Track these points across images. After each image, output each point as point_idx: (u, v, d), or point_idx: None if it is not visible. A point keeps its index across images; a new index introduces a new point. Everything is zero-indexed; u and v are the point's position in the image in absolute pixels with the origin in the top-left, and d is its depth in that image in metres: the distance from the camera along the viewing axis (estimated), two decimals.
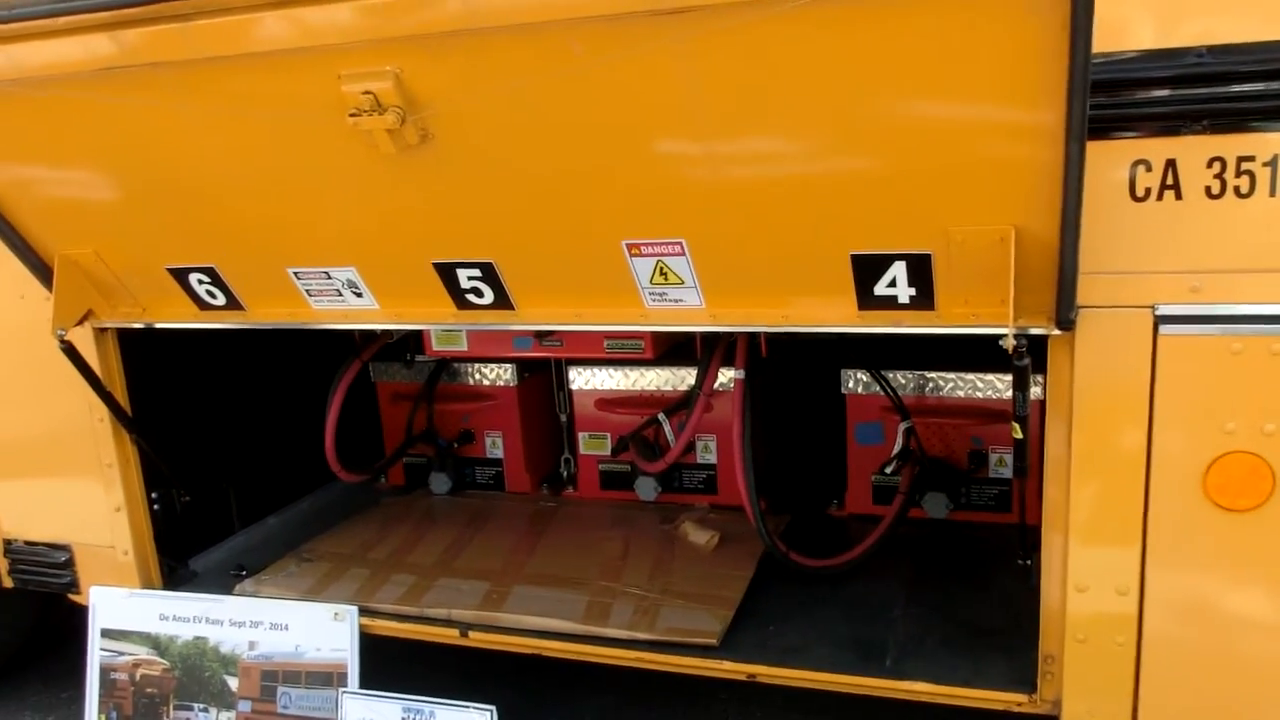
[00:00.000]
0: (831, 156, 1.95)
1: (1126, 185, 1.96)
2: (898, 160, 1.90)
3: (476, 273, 2.40)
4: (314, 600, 2.99)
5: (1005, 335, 1.95)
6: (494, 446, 3.87)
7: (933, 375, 3.19)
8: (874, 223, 2.02)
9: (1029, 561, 2.38)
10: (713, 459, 3.54)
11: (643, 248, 2.21)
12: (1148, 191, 1.96)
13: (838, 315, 2.18)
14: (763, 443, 3.59)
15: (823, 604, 2.86)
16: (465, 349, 3.17)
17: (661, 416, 3.46)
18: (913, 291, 2.09)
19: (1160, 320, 2.00)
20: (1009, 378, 3.08)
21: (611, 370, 3.57)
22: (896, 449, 3.15)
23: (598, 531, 3.43)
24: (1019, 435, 2.11)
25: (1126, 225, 1.98)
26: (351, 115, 2.03)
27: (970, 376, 3.14)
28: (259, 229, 2.46)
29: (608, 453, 3.65)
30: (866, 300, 2.14)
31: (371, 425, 4.02)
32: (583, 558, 3.21)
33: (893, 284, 2.08)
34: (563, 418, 3.81)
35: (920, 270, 2.04)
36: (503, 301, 2.45)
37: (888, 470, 3.17)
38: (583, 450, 3.74)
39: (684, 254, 2.19)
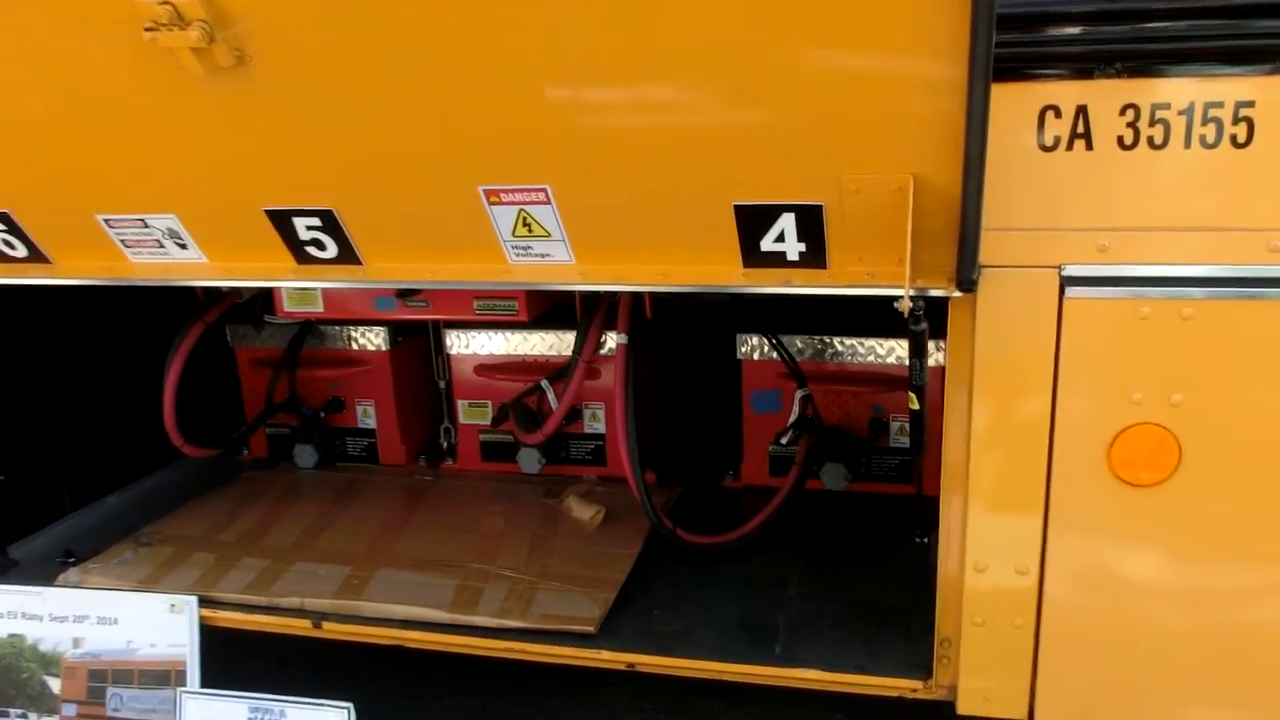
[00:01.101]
0: (713, 98, 1.71)
1: (1034, 133, 1.78)
2: (786, 102, 1.67)
3: (315, 221, 2.10)
4: (149, 590, 2.67)
5: (900, 297, 1.75)
6: (365, 416, 3.57)
7: (832, 340, 3.00)
8: (759, 170, 1.79)
9: (926, 539, 2.22)
10: (600, 428, 3.31)
11: (503, 195, 1.94)
12: (1056, 141, 1.78)
13: (721, 274, 1.96)
14: (652, 411, 3.39)
15: (712, 584, 2.67)
16: (320, 310, 2.85)
17: (544, 383, 3.21)
18: (802, 247, 1.87)
19: (1066, 282, 1.83)
20: None
21: (492, 334, 3.30)
22: (793, 418, 2.96)
23: (475, 507, 3.18)
24: (915, 406, 1.92)
25: (1033, 178, 1.79)
26: (148, 30, 1.71)
27: (870, 342, 2.97)
28: (58, 168, 2.11)
29: (488, 422, 3.39)
30: (752, 257, 1.92)
31: (231, 394, 3.67)
32: (456, 537, 2.96)
33: (780, 238, 1.87)
34: (441, 384, 3.53)
35: (810, 223, 1.83)
36: (348, 255, 2.16)
37: (783, 441, 2.99)
38: (462, 420, 3.47)
39: (549, 202, 1.94)
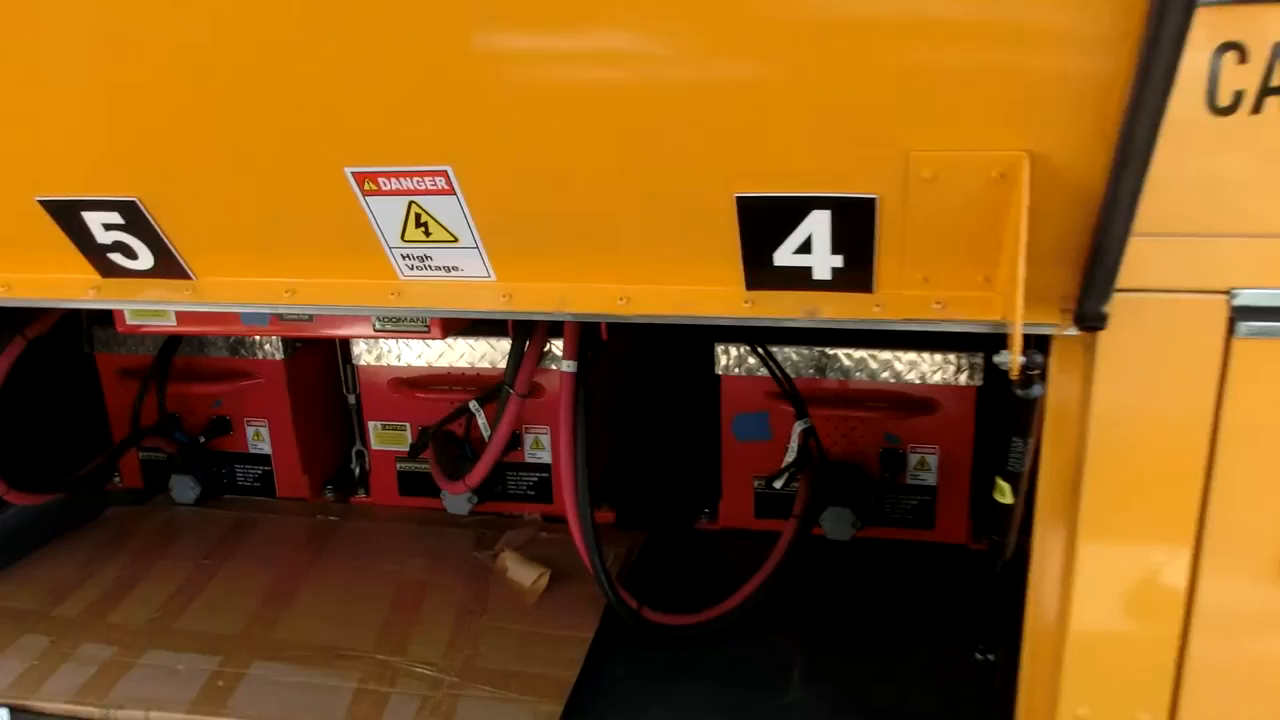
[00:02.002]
0: (702, 28, 1.06)
1: (1202, 86, 1.14)
2: (821, 38, 1.02)
3: (115, 217, 1.43)
4: None
5: (1008, 335, 1.12)
6: (257, 439, 2.89)
7: (835, 352, 2.38)
8: (777, 146, 1.15)
9: (990, 657, 1.61)
10: (545, 457, 2.67)
11: (381, 180, 1.28)
12: (1237, 99, 1.14)
13: (713, 298, 1.32)
14: (610, 435, 2.77)
15: (689, 678, 2.06)
16: (172, 324, 2.16)
17: (473, 405, 2.56)
18: (838, 261, 1.24)
19: (1238, 314, 1.22)
20: (936, 357, 2.31)
21: (410, 341, 2.63)
22: (790, 456, 2.34)
23: (387, 563, 2.53)
24: (1006, 499, 1.30)
25: (1197, 156, 1.16)
26: None
27: (885, 355, 2.34)
28: None
29: (406, 449, 2.73)
30: (762, 274, 1.29)
31: (96, 413, 2.97)
32: (359, 611, 2.32)
33: (805, 248, 1.23)
34: (351, 399, 2.86)
35: (854, 226, 1.19)
36: (170, 266, 1.49)
37: (776, 484, 2.36)
38: (375, 445, 2.81)
39: (452, 191, 1.28)
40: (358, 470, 2.92)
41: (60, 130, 1.31)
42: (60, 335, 2.55)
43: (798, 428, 2.29)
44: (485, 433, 2.55)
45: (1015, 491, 1.31)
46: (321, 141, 1.25)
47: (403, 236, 1.34)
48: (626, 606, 2.05)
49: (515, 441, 2.63)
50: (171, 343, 2.77)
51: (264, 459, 2.91)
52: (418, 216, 1.31)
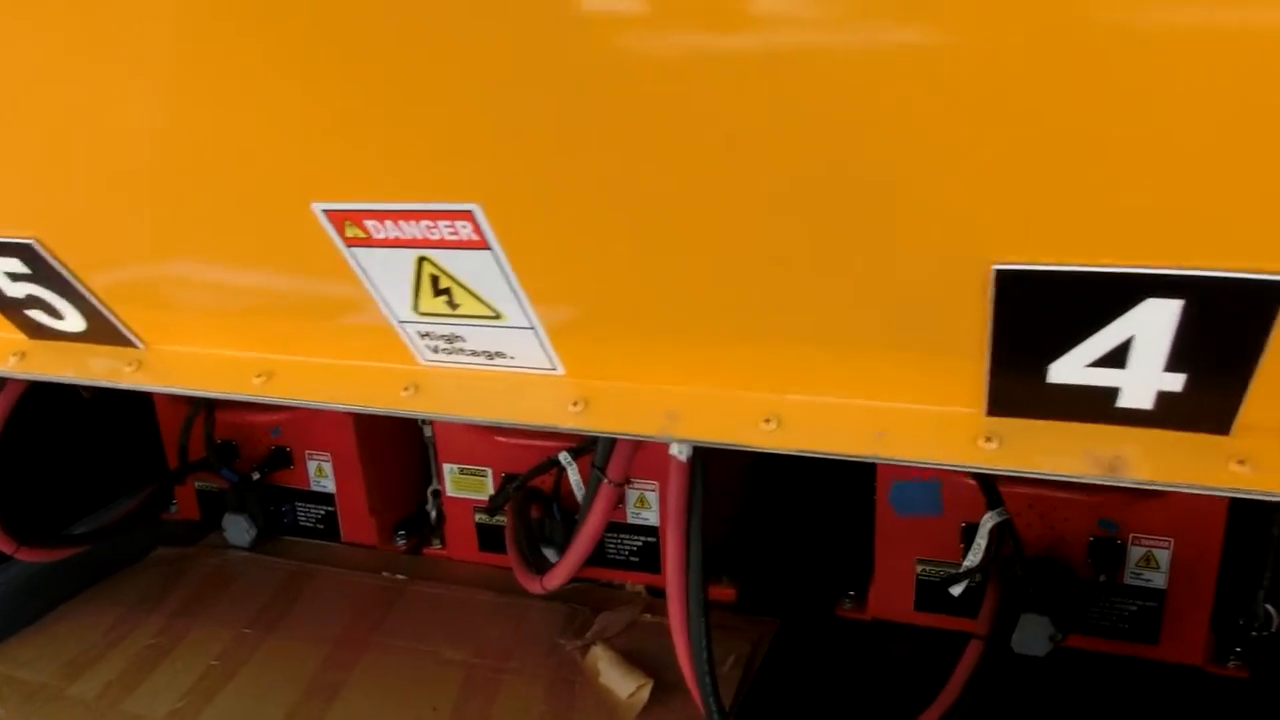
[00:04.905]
0: None
1: None
2: None
3: (17, 265, 0.96)
4: None
5: None
6: (320, 475, 2.49)
7: None
8: (1094, 177, 0.58)
9: None
10: (652, 518, 2.17)
11: (370, 224, 0.78)
12: None
13: (925, 428, 0.77)
14: (735, 500, 2.26)
15: None
16: None
17: (564, 457, 2.08)
18: (1173, 381, 0.66)
19: None
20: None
21: None
22: (974, 557, 1.76)
23: (454, 647, 2.08)
24: None
25: None
26: None
27: None
28: None
29: (485, 498, 2.28)
30: (1019, 393, 0.73)
31: (150, 438, 2.63)
32: (413, 715, 1.86)
33: (1117, 358, 0.66)
34: (428, 431, 2.42)
35: (1225, 323, 0.62)
36: (104, 330, 1.02)
37: (954, 591, 1.79)
38: (450, 491, 2.36)
39: (484, 242, 0.76)
40: (434, 513, 2.49)
41: None
42: None
43: (988, 521, 1.70)
44: (578, 491, 2.07)
45: None
46: (270, 163, 0.76)
47: (415, 308, 0.84)
48: None
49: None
50: None
51: (327, 498, 2.51)
52: (434, 279, 0.80)
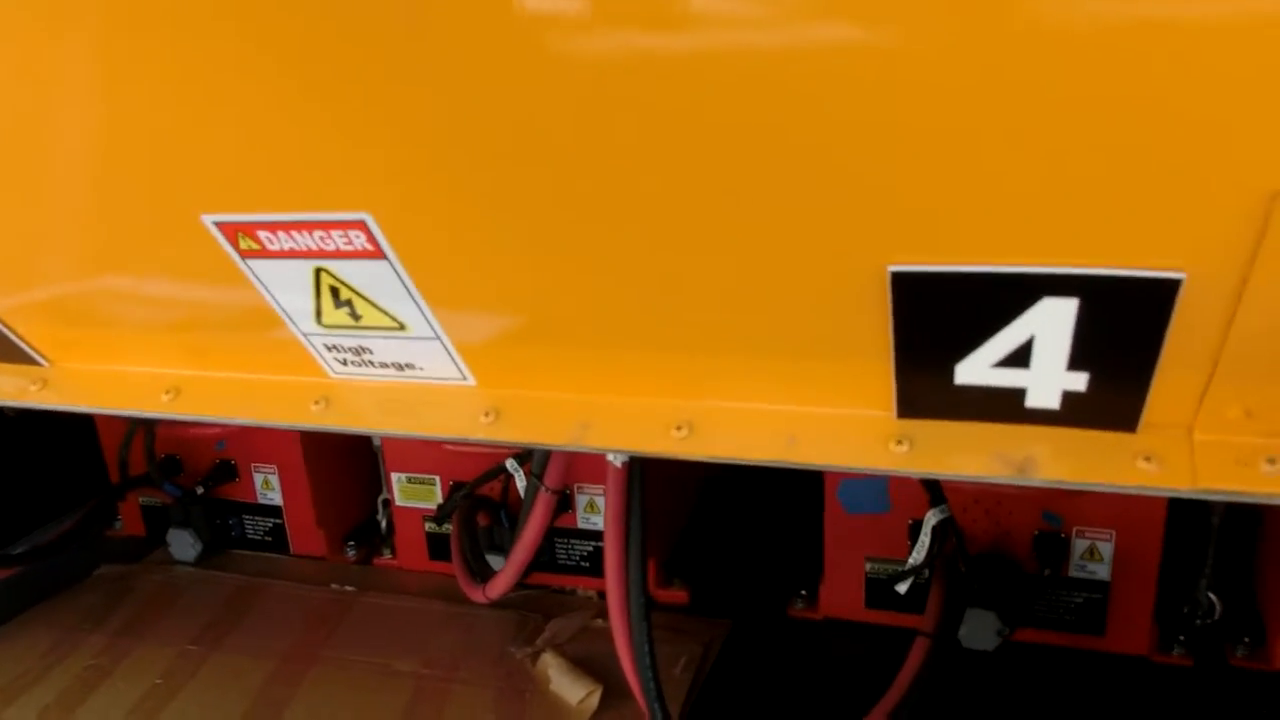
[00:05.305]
0: None
1: None
2: None
3: None
4: None
5: None
6: (267, 487, 2.45)
7: None
8: (989, 172, 0.57)
9: None
10: (601, 522, 2.14)
11: (263, 235, 0.75)
12: None
13: (835, 432, 0.75)
14: (686, 500, 2.25)
15: None
16: None
17: (511, 464, 2.05)
18: (1077, 381, 0.66)
19: None
20: None
21: None
22: (918, 555, 1.75)
23: (403, 658, 2.05)
24: None
25: None
26: None
27: None
28: None
29: (434, 507, 2.26)
30: (926, 395, 0.72)
31: (92, 453, 2.58)
32: None
33: (1020, 357, 0.65)
34: (376, 441, 2.39)
35: (1124, 322, 0.61)
36: (6, 349, 0.98)
37: (900, 589, 1.79)
38: (399, 500, 2.33)
39: (379, 251, 0.74)
40: (384, 523, 2.45)
41: None
42: None
43: (931, 518, 1.70)
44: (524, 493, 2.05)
45: None
46: (158, 175, 0.73)
47: (319, 320, 0.82)
48: None
49: (565, 504, 2.12)
50: None
51: (275, 510, 2.47)
52: (334, 290, 0.78)
